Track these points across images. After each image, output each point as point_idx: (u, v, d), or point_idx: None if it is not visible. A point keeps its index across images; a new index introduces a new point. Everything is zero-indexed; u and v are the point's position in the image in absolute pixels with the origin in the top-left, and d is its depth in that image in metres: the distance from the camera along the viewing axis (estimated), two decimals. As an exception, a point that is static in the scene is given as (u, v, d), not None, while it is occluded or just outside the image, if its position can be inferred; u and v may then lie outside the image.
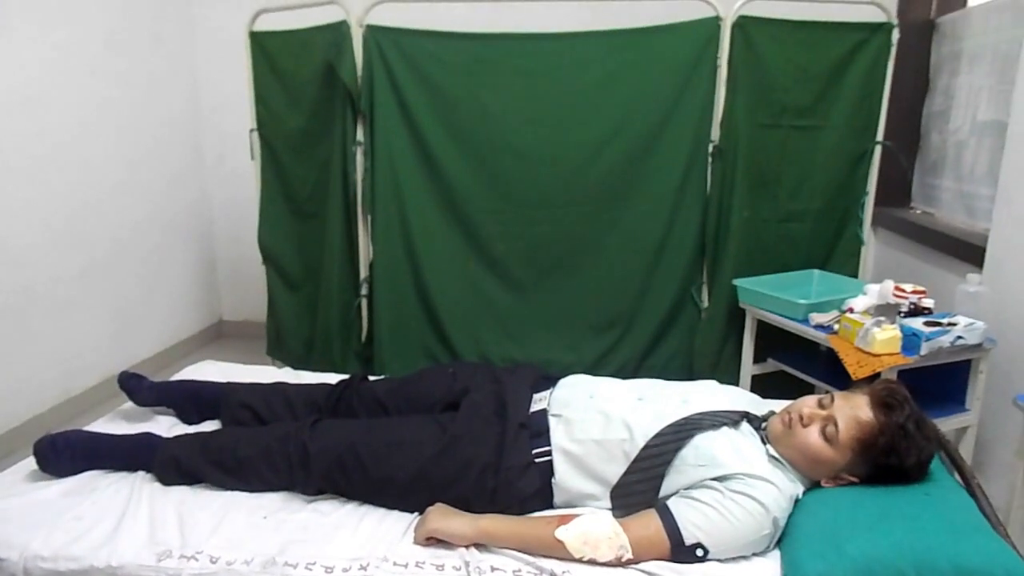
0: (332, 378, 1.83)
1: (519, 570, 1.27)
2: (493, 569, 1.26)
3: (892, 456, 1.34)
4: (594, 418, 1.48)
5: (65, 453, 1.53)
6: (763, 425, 1.49)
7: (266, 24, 2.66)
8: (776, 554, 1.32)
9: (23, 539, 1.31)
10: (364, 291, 2.61)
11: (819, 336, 2.10)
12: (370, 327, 2.62)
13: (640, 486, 1.39)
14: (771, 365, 2.48)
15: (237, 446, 1.53)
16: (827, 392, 1.48)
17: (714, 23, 2.38)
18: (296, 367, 2.27)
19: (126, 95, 2.76)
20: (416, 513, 1.41)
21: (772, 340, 2.43)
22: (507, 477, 1.42)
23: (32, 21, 2.23)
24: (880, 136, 2.54)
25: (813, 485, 1.41)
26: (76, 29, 2.45)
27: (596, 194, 2.51)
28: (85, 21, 2.49)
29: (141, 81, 2.86)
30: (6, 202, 2.15)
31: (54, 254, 2.34)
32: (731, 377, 2.47)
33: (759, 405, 1.60)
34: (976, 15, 2.47)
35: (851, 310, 2.05)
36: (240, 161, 2.88)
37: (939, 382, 2.03)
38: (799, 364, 2.35)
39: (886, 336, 1.88)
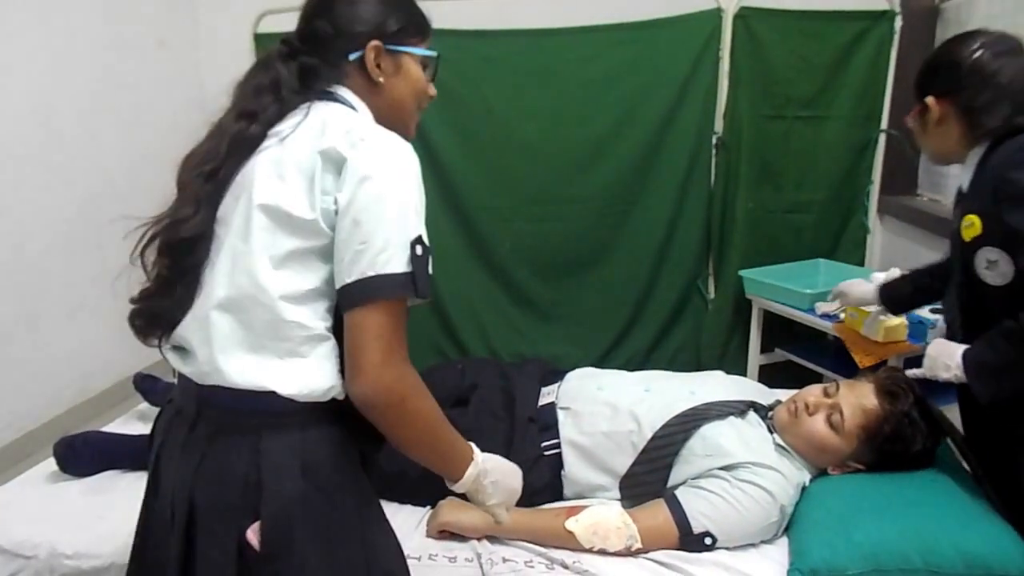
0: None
1: (530, 561, 1.29)
2: (505, 560, 1.29)
3: (897, 443, 1.36)
4: (602, 410, 1.50)
5: (84, 453, 1.57)
6: (769, 414, 1.50)
7: (271, 26, 2.67)
8: (784, 541, 1.34)
9: (47, 538, 1.34)
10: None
11: (825, 325, 2.11)
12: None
13: (648, 477, 1.41)
14: (778, 355, 2.49)
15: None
16: (833, 381, 1.49)
17: (716, 15, 2.38)
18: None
19: (133, 99, 2.77)
20: (428, 507, 1.44)
21: (779, 330, 2.44)
22: (517, 471, 1.44)
23: (37, 28, 2.26)
24: (885, 124, 2.54)
25: (820, 473, 1.43)
26: (81, 35, 2.47)
27: (601, 189, 2.51)
28: (90, 26, 2.51)
29: (147, 85, 2.87)
30: (20, 208, 2.18)
31: (68, 258, 2.37)
32: (738, 367, 2.48)
33: (766, 395, 1.61)
34: (979, 1, 2.46)
35: (857, 299, 2.05)
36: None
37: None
38: (806, 354, 2.35)
39: (892, 324, 1.88)
